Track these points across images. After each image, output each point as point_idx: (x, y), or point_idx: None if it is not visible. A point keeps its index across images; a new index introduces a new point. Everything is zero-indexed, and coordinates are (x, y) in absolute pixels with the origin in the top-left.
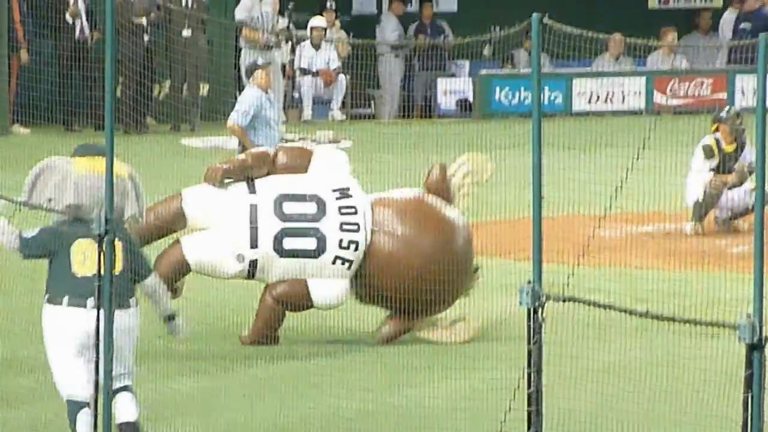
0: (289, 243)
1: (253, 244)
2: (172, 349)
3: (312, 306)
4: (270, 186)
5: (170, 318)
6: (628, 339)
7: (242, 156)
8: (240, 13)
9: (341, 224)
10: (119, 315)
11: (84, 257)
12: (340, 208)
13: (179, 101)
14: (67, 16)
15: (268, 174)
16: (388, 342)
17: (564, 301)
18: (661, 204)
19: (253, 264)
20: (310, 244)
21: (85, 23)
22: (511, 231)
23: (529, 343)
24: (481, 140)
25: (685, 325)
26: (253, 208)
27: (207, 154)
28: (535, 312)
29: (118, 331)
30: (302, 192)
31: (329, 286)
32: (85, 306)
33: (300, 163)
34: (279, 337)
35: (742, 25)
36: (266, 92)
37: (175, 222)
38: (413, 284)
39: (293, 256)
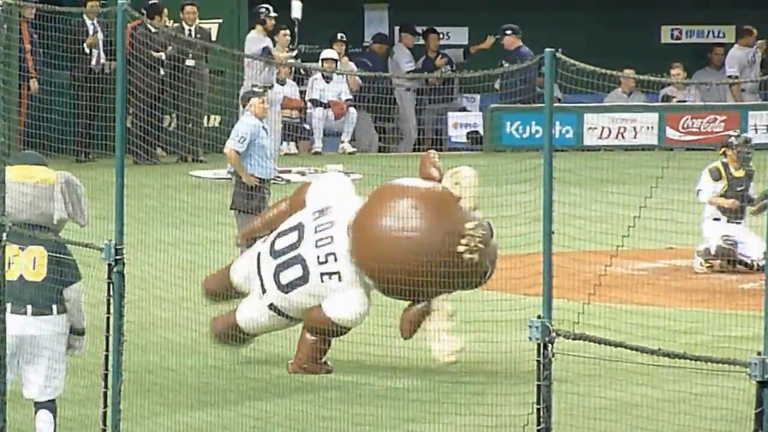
0: (284, 277)
1: (263, 290)
2: (182, 383)
3: (340, 326)
4: (268, 237)
5: (77, 333)
6: (638, 377)
7: (267, 214)
8: (250, 46)
9: (316, 242)
10: (39, 322)
11: (9, 263)
12: (316, 227)
13: (187, 132)
14: (85, 46)
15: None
16: (414, 324)
17: (574, 338)
18: (671, 241)
19: (275, 307)
20: (296, 271)
21: (102, 53)
22: (520, 266)
23: (538, 379)
24: (491, 174)
25: (696, 362)
26: (258, 255)
27: (215, 185)
28: (545, 347)
29: (37, 338)
30: (289, 225)
31: (341, 302)
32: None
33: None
34: (329, 366)
35: (505, 65)
36: (261, 120)
37: (228, 290)
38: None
39: (292, 288)
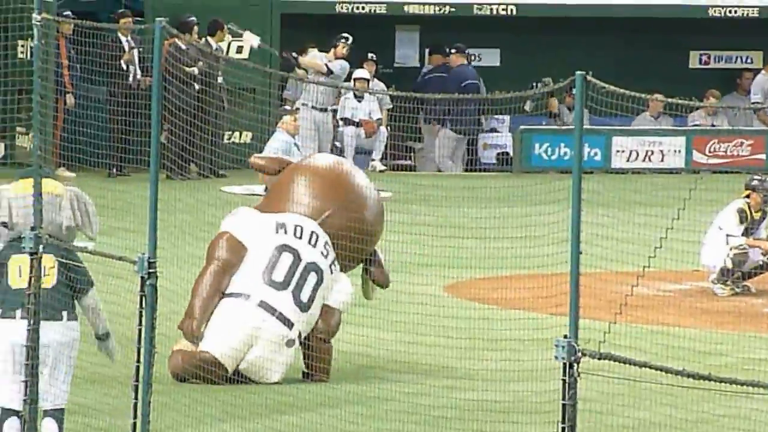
0: (304, 295)
1: (290, 325)
2: (210, 395)
3: (344, 312)
4: (248, 285)
5: (103, 337)
6: (663, 397)
7: (204, 291)
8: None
9: (308, 243)
10: (50, 327)
11: (19, 271)
12: (294, 234)
13: (213, 147)
14: (122, 62)
15: None
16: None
17: (600, 358)
18: (698, 263)
19: (300, 334)
20: (313, 279)
21: (138, 69)
22: (547, 285)
23: (563, 398)
24: (520, 195)
25: (720, 384)
26: (263, 306)
27: (247, 201)
28: (571, 367)
29: (46, 344)
30: (267, 256)
31: (340, 289)
32: (14, 317)
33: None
34: None
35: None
36: (293, 137)
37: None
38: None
39: (313, 298)
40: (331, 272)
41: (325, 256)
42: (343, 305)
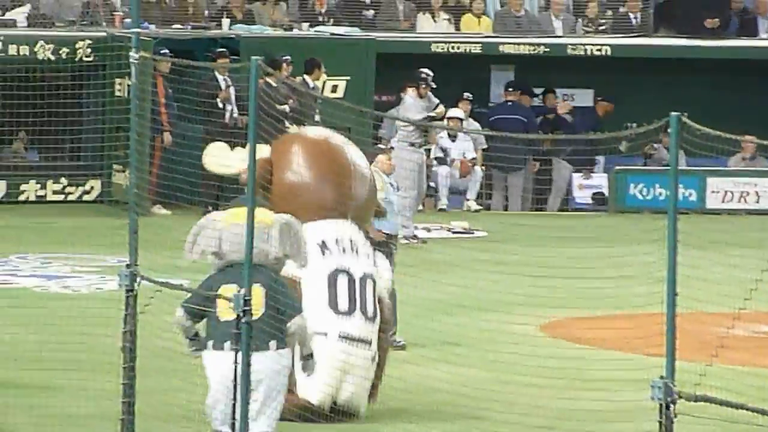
0: (370, 308)
1: (369, 342)
2: (301, 430)
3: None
4: (320, 322)
5: (307, 357)
6: None
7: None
8: (404, 113)
9: (356, 254)
10: (257, 357)
11: (228, 302)
12: (339, 252)
13: None
14: (218, 101)
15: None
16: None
17: (696, 400)
18: None
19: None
20: (370, 288)
21: (234, 107)
22: (642, 326)
23: None
24: (615, 234)
25: None
26: (344, 338)
27: None
28: (667, 408)
29: (255, 373)
30: (323, 286)
31: (383, 275)
32: (223, 349)
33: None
34: None
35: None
36: (388, 176)
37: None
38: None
39: (375, 302)
40: (376, 265)
41: (369, 257)
42: (387, 290)
